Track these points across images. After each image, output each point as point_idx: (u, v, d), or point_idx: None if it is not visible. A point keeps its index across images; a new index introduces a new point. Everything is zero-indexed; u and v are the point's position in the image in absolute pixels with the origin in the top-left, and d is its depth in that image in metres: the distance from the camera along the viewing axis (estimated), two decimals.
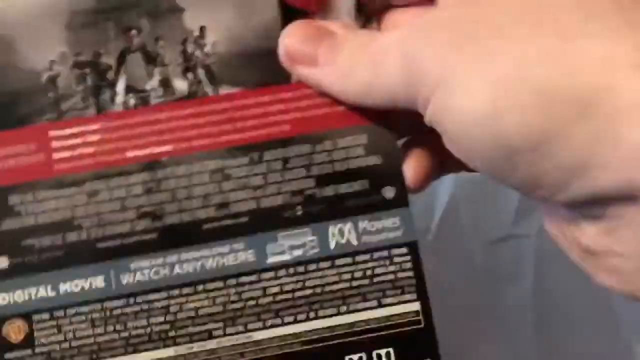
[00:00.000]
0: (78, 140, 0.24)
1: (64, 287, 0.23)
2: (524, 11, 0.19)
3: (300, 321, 0.23)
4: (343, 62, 0.22)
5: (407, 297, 0.23)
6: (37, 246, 0.23)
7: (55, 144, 0.24)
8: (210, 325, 0.23)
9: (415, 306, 0.23)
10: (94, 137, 0.24)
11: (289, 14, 0.24)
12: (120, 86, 0.24)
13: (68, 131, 0.24)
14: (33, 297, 0.23)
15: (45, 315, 0.23)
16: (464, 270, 0.40)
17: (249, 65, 0.25)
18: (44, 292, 0.23)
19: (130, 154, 0.24)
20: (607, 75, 0.17)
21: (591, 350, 0.37)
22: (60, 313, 0.23)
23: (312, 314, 0.23)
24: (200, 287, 0.23)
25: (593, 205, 0.19)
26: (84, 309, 0.23)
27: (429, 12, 0.21)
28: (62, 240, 0.23)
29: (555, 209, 0.21)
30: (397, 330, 0.23)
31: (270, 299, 0.23)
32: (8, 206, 0.23)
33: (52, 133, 0.24)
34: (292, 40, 0.23)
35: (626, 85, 0.17)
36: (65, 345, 0.23)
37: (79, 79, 0.24)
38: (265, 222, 0.24)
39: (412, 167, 0.24)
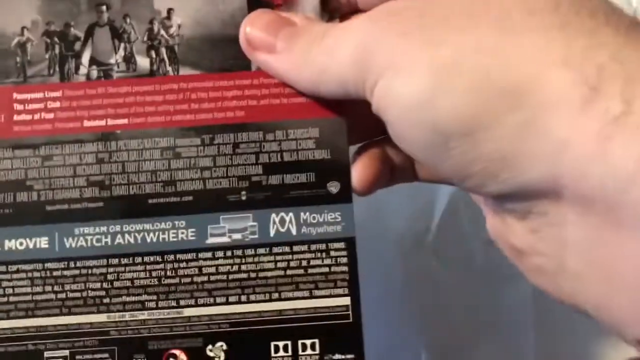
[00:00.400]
0: (39, 105, 0.25)
1: (9, 245, 0.24)
2: (471, 4, 0.19)
3: (232, 303, 0.24)
4: (299, 50, 0.23)
5: (339, 291, 0.24)
6: None
7: (17, 106, 0.25)
8: (144, 297, 0.24)
9: (346, 301, 0.24)
10: (55, 104, 0.25)
11: (254, 5, 0.25)
12: (85, 58, 0.26)
13: (31, 95, 0.25)
14: None
15: None
16: (464, 270, 0.41)
17: (212, 50, 0.25)
18: None
19: (87, 123, 0.25)
20: (538, 69, 0.17)
21: (591, 350, 0.37)
22: (2, 268, 0.24)
23: (243, 298, 0.24)
24: (138, 259, 0.24)
25: (520, 201, 0.19)
26: (26, 267, 0.24)
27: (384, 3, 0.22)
28: (12, 199, 0.24)
29: (491, 206, 0.22)
30: (325, 322, 0.24)
31: (204, 278, 0.24)
32: None
33: (16, 96, 0.25)
34: (252, 27, 0.24)
35: (554, 79, 0.17)
36: (3, 299, 0.24)
37: (47, 47, 0.25)
38: (209, 203, 0.24)
39: (359, 169, 0.25)
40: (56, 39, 0.25)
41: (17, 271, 0.24)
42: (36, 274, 0.24)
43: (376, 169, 0.24)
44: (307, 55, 0.23)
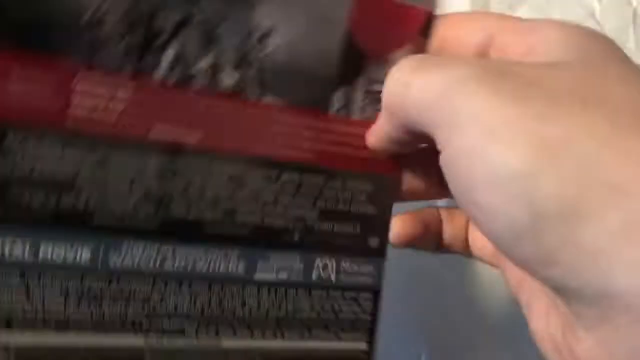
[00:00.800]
0: (105, 97, 0.22)
1: (45, 249, 0.22)
2: (583, 89, 0.19)
3: (267, 338, 0.25)
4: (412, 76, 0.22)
5: (361, 336, 0.27)
6: (26, 198, 0.21)
7: (79, 88, 0.22)
8: (185, 325, 0.24)
9: (364, 346, 0.27)
10: (123, 101, 0.22)
11: (350, 50, 0.25)
12: (167, 57, 0.23)
13: (98, 82, 0.22)
14: (6, 250, 0.21)
15: (16, 272, 0.21)
16: (463, 270, 0.40)
17: (299, 83, 0.25)
18: (20, 247, 0.21)
19: (156, 131, 0.23)
20: None
21: None
22: (34, 274, 0.22)
23: (278, 334, 0.25)
24: (185, 285, 0.24)
25: (600, 305, 0.17)
26: (61, 275, 0.22)
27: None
28: (56, 199, 0.22)
29: (553, 307, 0.21)
30: None
31: (246, 311, 0.25)
32: (3, 145, 0.21)
33: (80, 77, 0.22)
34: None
35: None
36: (30, 308, 0.22)
37: (126, 32, 0.22)
38: (263, 239, 0.25)
39: (396, 226, 0.27)
40: (138, 26, 0.22)
41: (51, 280, 0.22)
42: (72, 286, 0.22)
43: (413, 230, 0.27)
44: (414, 76, 0.22)
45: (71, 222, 0.22)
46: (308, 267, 0.25)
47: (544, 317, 0.22)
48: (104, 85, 0.22)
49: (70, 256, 0.22)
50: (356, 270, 0.26)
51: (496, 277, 0.37)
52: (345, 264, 0.26)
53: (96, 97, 0.22)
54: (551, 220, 0.18)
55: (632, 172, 0.17)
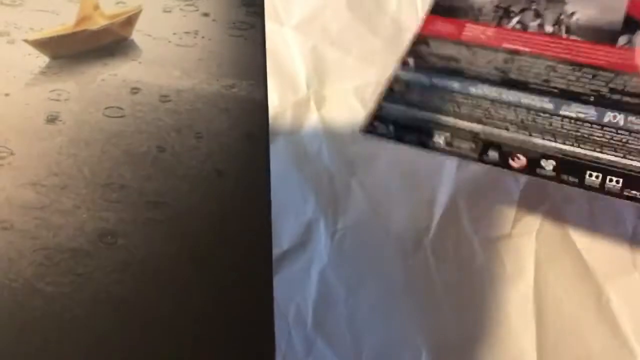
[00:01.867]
0: (479, 31, 0.45)
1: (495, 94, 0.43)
2: None
3: (566, 145, 0.39)
4: None
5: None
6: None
7: (466, 29, 0.45)
8: (510, 128, 0.40)
9: None
10: (489, 33, 0.45)
11: (628, 18, 0.44)
12: (515, 19, 0.46)
13: (476, 27, 0.45)
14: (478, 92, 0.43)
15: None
16: (464, 270, 0.41)
17: (593, 32, 0.44)
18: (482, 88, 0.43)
19: (504, 44, 0.44)
20: None
21: (590, 350, 0.35)
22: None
23: (575, 144, 0.39)
24: (512, 108, 0.41)
25: None
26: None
27: None
28: (502, 68, 0.43)
29: None
30: None
31: (552, 127, 0.40)
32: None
33: (467, 24, 0.46)
34: None
35: None
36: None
37: (495, 11, 0.46)
38: (567, 96, 0.41)
39: None
40: (501, 10, 0.46)
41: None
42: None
43: None
44: None
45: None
46: (600, 116, 0.41)
47: None
48: (481, 27, 0.46)
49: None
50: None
51: (496, 277, 0.41)
52: (632, 118, 0.40)
53: (475, 31, 0.46)
54: None
55: None
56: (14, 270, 0.23)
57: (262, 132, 0.27)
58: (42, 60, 0.25)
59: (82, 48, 0.25)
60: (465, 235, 0.41)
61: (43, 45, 0.25)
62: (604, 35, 0.42)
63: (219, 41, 0.26)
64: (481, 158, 0.37)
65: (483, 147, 0.38)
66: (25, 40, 0.25)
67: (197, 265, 0.25)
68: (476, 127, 0.39)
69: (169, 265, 0.25)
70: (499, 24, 0.44)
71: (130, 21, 0.26)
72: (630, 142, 0.37)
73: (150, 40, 0.26)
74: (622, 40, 0.41)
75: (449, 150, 0.39)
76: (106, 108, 0.25)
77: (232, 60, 0.26)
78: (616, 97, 0.39)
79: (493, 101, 0.39)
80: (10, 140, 0.24)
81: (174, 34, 0.26)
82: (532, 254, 0.41)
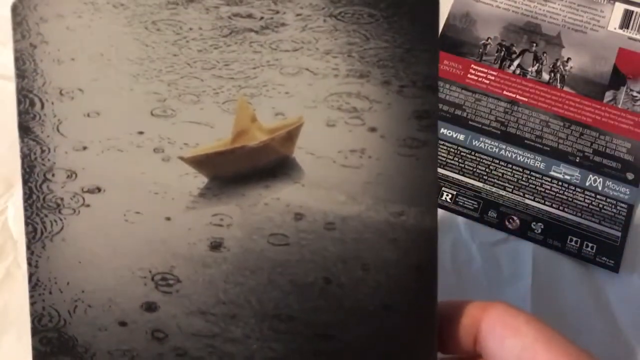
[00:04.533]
0: (483, 75, 0.53)
1: (449, 134, 0.51)
2: None
3: (551, 207, 0.49)
4: None
5: (614, 227, 0.48)
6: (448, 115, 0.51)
7: (471, 71, 0.53)
8: (505, 184, 0.49)
9: (618, 234, 0.48)
10: (492, 77, 0.53)
11: (616, 72, 0.52)
12: (515, 63, 0.53)
13: (480, 68, 0.53)
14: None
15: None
16: (464, 270, 0.42)
17: (586, 83, 0.52)
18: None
19: (505, 92, 0.52)
20: None
21: (590, 350, 0.34)
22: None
23: (560, 207, 0.49)
24: (509, 166, 0.50)
25: None
26: (448, 146, 0.50)
27: None
28: (452, 112, 0.51)
29: None
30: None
31: (542, 189, 0.49)
32: None
33: (473, 66, 0.53)
34: None
35: None
36: None
37: (498, 50, 0.54)
38: (556, 156, 0.50)
39: None
40: (504, 49, 0.53)
41: (445, 148, 0.50)
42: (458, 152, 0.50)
43: None
44: None
45: (459, 123, 0.51)
46: (583, 179, 0.50)
47: None
48: (484, 69, 0.53)
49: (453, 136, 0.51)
50: (616, 188, 0.50)
51: (496, 277, 0.43)
52: (609, 183, 0.50)
53: (479, 74, 0.53)
54: None
55: None
56: None
57: (431, 263, 0.26)
58: (201, 180, 0.24)
59: (241, 167, 0.24)
60: (465, 235, 0.46)
61: (200, 164, 0.24)
62: (592, 89, 0.51)
63: (388, 161, 0.25)
64: (482, 218, 0.48)
65: (484, 206, 0.48)
66: (181, 158, 0.25)
67: None
68: (478, 184, 0.48)
69: None
70: (500, 67, 0.52)
71: (290, 137, 0.24)
72: (605, 207, 0.47)
73: (313, 160, 0.24)
74: (608, 96, 0.50)
75: (454, 208, 0.47)
76: (270, 235, 0.25)
77: (402, 184, 0.25)
78: (598, 159, 0.48)
79: (493, 158, 0.49)
80: (176, 267, 0.25)
81: (339, 152, 0.25)
82: (531, 254, 0.45)
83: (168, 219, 0.25)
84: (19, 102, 0.24)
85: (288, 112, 0.25)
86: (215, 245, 0.25)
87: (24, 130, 0.25)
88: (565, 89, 0.49)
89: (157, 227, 0.25)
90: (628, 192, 0.47)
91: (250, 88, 0.25)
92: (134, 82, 0.25)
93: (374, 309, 0.25)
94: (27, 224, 0.25)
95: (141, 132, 0.25)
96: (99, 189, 0.25)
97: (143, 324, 0.26)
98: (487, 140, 0.48)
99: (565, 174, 0.47)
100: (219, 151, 0.25)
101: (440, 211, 0.47)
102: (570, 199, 0.47)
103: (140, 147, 0.25)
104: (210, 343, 0.25)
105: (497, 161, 0.48)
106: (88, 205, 0.25)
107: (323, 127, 0.25)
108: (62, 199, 0.25)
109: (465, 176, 0.48)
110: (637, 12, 0.52)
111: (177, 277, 0.25)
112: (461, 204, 0.47)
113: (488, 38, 0.51)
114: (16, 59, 0.24)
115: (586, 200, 0.47)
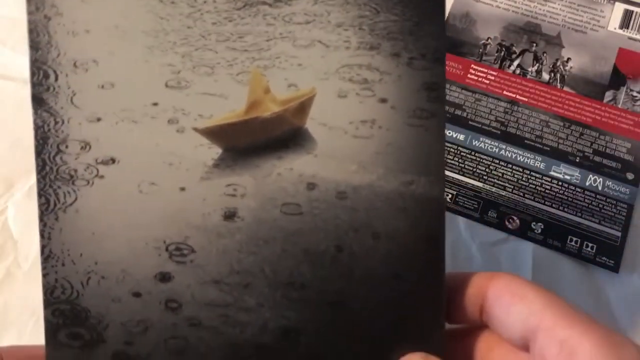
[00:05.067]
0: (483, 75, 0.54)
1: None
2: None
3: (551, 207, 0.50)
4: None
5: (615, 227, 0.49)
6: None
7: (471, 71, 0.54)
8: (506, 184, 0.50)
9: (617, 233, 0.49)
10: (491, 77, 0.54)
11: (616, 72, 0.54)
12: (515, 63, 0.54)
13: (480, 68, 0.54)
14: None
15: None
16: (464, 270, 0.41)
17: (584, 85, 0.54)
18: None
19: (505, 92, 0.53)
20: None
21: None
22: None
23: (560, 207, 0.50)
24: (509, 166, 0.51)
25: None
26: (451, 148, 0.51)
27: None
28: (452, 112, 0.52)
29: None
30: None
31: (542, 189, 0.50)
32: None
33: (473, 66, 0.54)
34: None
35: None
36: None
37: (498, 50, 0.55)
38: (557, 156, 0.51)
39: None
40: (503, 49, 0.55)
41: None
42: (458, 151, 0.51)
43: None
44: None
45: (459, 122, 0.53)
46: (583, 179, 0.51)
47: None
48: (484, 69, 0.54)
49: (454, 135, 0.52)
50: (616, 188, 0.51)
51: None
52: (609, 183, 0.51)
53: (479, 74, 0.54)
54: None
55: None
56: None
57: (439, 233, 0.26)
58: (215, 151, 0.25)
59: (255, 138, 0.25)
60: (465, 235, 0.46)
61: (214, 134, 0.25)
62: (592, 89, 0.52)
63: (398, 132, 0.25)
64: (482, 218, 0.48)
65: (484, 206, 0.49)
66: (195, 129, 0.25)
67: None
68: (478, 184, 0.49)
69: None
70: (500, 67, 0.53)
71: (303, 108, 0.25)
72: (605, 207, 0.48)
73: (325, 131, 0.25)
74: (608, 96, 0.51)
75: (454, 208, 0.48)
76: (283, 204, 0.26)
77: (411, 154, 0.26)
78: (598, 159, 0.49)
79: (493, 158, 0.50)
80: (190, 237, 0.25)
81: (350, 123, 0.25)
82: (531, 254, 0.46)
83: (182, 189, 0.26)
84: (33, 74, 0.25)
85: (301, 83, 0.26)
86: (229, 215, 0.26)
87: (38, 101, 0.25)
88: (565, 89, 0.50)
89: (171, 198, 0.26)
90: (628, 192, 0.48)
91: (264, 60, 0.26)
92: (148, 54, 0.26)
93: (384, 277, 0.26)
94: (40, 195, 0.25)
95: (156, 104, 0.26)
96: (113, 160, 0.26)
97: (157, 295, 0.26)
98: (487, 140, 0.49)
99: (565, 174, 0.48)
100: (232, 122, 0.25)
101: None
102: (570, 199, 0.47)
103: (155, 118, 0.26)
104: (224, 312, 0.26)
105: (497, 161, 0.48)
106: (102, 177, 0.26)
107: (335, 98, 0.26)
108: (75, 171, 0.26)
109: (465, 176, 0.49)
110: (637, 12, 0.53)
111: (192, 247, 0.26)
112: (461, 204, 0.47)
113: (488, 38, 0.52)
114: (30, 31, 0.25)
115: (586, 200, 0.47)
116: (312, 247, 0.26)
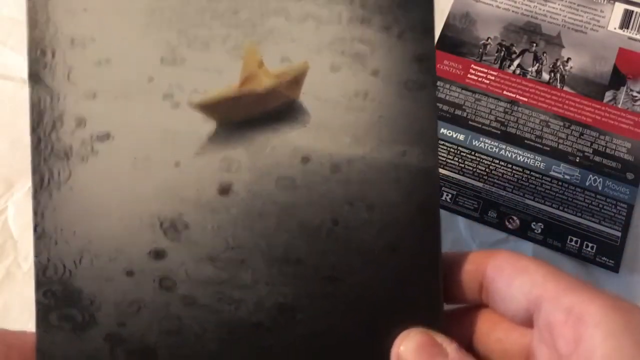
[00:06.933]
0: (483, 75, 0.55)
1: (447, 133, 0.53)
2: None
3: (551, 207, 0.51)
4: None
5: (614, 227, 0.50)
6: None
7: (471, 71, 0.55)
8: (504, 183, 0.52)
9: (617, 233, 0.50)
10: (491, 77, 0.55)
11: (616, 72, 0.55)
12: (515, 63, 0.56)
13: (480, 68, 0.56)
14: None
15: None
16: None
17: (585, 84, 0.55)
18: None
19: (505, 92, 0.55)
20: None
21: None
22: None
23: (560, 207, 0.51)
24: (509, 166, 0.52)
25: None
26: (449, 147, 0.53)
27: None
28: (452, 112, 0.54)
29: None
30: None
31: (543, 189, 0.52)
32: None
33: (473, 66, 0.56)
34: (406, 346, 0.26)
35: None
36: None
37: (498, 50, 0.56)
38: (557, 156, 0.53)
39: None
40: (503, 49, 0.56)
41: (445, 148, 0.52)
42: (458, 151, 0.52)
43: None
44: None
45: (459, 123, 0.54)
46: (583, 178, 0.52)
47: None
48: (484, 69, 0.56)
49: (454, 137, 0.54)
50: (616, 188, 0.52)
51: None
52: (609, 182, 0.52)
53: (479, 74, 0.56)
54: None
55: None
56: (199, 345, 0.26)
57: (433, 203, 0.27)
58: (210, 126, 0.25)
59: (249, 112, 0.26)
60: (465, 235, 0.48)
61: (210, 109, 0.25)
62: (592, 89, 0.53)
63: (389, 104, 0.26)
64: (482, 217, 0.49)
65: (484, 206, 0.50)
66: (191, 103, 0.26)
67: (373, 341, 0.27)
68: (478, 184, 0.51)
69: (346, 340, 0.27)
70: (500, 67, 0.54)
71: (297, 81, 0.26)
72: (605, 207, 0.50)
73: (318, 104, 0.26)
74: (608, 96, 0.53)
75: (454, 208, 0.49)
76: (278, 178, 0.26)
77: (404, 125, 0.26)
78: (598, 159, 0.51)
79: (493, 158, 0.51)
80: (184, 213, 0.26)
81: (343, 95, 0.26)
82: (531, 254, 0.46)
83: (177, 164, 0.26)
84: (30, 51, 0.26)
85: (294, 57, 0.27)
86: (224, 190, 0.26)
87: (34, 78, 0.26)
88: (565, 89, 0.52)
89: (166, 173, 0.27)
90: (628, 192, 0.49)
91: (258, 35, 0.27)
92: (144, 31, 0.27)
93: (380, 251, 0.27)
94: (34, 172, 0.26)
95: (151, 79, 0.27)
96: (108, 136, 0.27)
97: (150, 273, 0.26)
98: (487, 140, 0.50)
99: (565, 174, 0.49)
100: (227, 96, 0.26)
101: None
102: (570, 199, 0.49)
103: (150, 93, 0.27)
104: (219, 290, 0.26)
105: (497, 161, 0.49)
106: (96, 153, 0.26)
107: (327, 71, 0.27)
108: (70, 147, 0.26)
109: (465, 176, 0.50)
110: (637, 12, 0.55)
111: (186, 223, 0.26)
112: (461, 204, 0.48)
113: (488, 38, 0.54)
114: (29, 9, 0.26)
115: (586, 200, 0.48)
116: (308, 221, 0.26)
